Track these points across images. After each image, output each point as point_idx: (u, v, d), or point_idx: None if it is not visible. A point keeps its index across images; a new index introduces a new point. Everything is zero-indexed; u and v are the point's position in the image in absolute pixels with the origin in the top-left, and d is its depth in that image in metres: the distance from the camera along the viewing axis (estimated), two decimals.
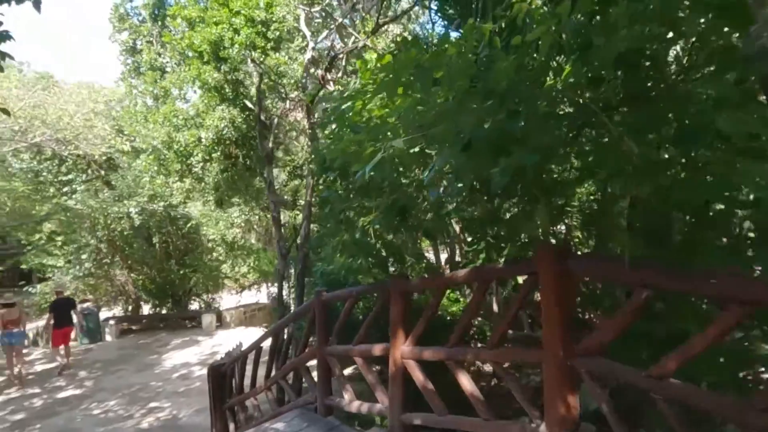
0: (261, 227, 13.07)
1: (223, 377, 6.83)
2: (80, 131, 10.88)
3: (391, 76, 2.23)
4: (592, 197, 4.52)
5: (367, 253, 3.67)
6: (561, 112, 2.25)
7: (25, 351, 12.57)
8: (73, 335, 12.94)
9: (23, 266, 18.67)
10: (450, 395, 3.24)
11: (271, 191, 7.05)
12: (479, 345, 7.11)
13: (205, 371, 9.64)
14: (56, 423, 7.97)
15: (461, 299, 7.37)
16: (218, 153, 8.24)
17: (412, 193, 3.66)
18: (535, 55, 2.34)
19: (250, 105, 7.67)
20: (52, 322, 10.69)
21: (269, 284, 13.79)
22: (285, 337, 5.52)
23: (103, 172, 12.19)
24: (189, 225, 12.70)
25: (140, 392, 9.18)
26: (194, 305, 14.90)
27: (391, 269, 4.57)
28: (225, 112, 7.96)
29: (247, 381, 6.25)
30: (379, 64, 2.68)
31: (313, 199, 6.58)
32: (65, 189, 11.79)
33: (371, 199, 3.59)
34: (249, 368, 6.19)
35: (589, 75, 2.03)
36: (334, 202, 3.71)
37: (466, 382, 3.11)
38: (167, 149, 8.39)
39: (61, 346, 10.81)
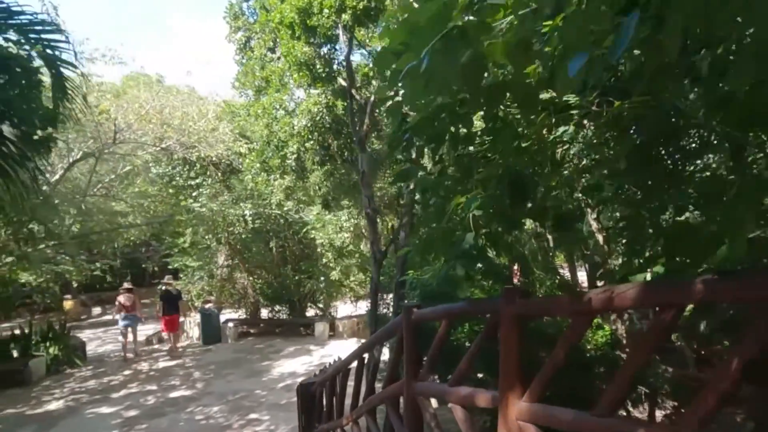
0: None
1: (312, 398, 5.99)
2: (202, 135, 11.26)
3: None
4: None
5: (465, 255, 2.43)
6: None
7: (156, 346, 13.47)
8: (196, 334, 13.45)
9: (170, 266, 20.45)
10: None
11: (365, 183, 6.09)
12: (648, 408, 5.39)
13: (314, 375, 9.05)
14: (160, 424, 7.86)
15: (605, 326, 5.68)
16: (312, 142, 7.56)
17: (536, 158, 2.37)
18: None
19: (344, 83, 6.87)
20: (160, 311, 12.31)
21: (384, 294, 13.02)
22: (374, 360, 4.50)
23: (220, 174, 12.51)
24: (304, 230, 12.44)
25: (244, 400, 8.81)
26: (311, 312, 14.65)
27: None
28: (321, 97, 7.31)
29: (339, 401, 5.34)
30: None
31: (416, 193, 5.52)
32: (194, 193, 12.26)
33: (469, 171, 2.37)
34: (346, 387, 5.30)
35: None
36: (417, 181, 2.55)
37: None
38: (267, 144, 8.02)
39: (169, 332, 12.37)
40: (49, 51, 5.19)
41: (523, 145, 2.36)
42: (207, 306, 12.85)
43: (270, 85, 8.29)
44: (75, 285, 22.77)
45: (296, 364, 10.87)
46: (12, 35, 3.84)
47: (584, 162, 2.59)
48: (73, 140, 10.96)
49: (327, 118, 7.29)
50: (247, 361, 11.34)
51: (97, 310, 23.66)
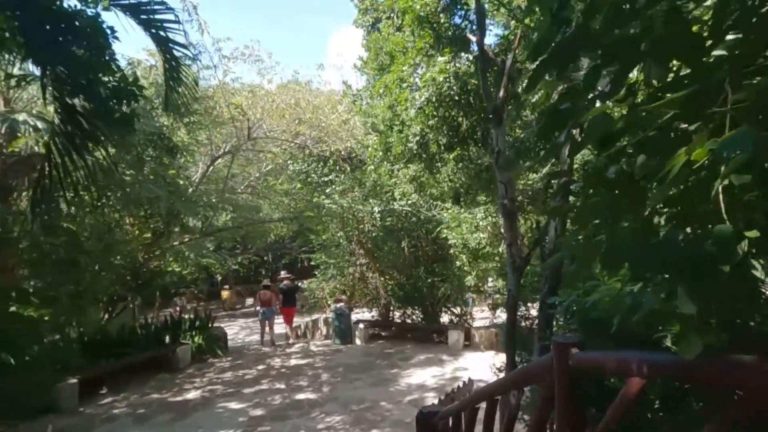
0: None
1: None
2: (333, 128, 10.99)
3: None
4: None
5: (702, 269, 1.15)
6: None
7: (291, 341, 13.66)
8: (330, 331, 13.31)
9: (312, 263, 21.10)
10: None
11: (500, 166, 4.74)
12: None
13: (438, 400, 8.04)
14: (282, 429, 7.49)
15: None
16: (437, 119, 6.37)
17: None
18: None
19: (473, 38, 5.56)
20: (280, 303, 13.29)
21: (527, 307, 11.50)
22: (510, 407, 3.29)
23: (350, 170, 12.05)
24: (437, 229, 11.45)
25: (368, 412, 8.11)
26: (445, 318, 13.62)
27: None
28: (449, 65, 6.11)
29: None
30: None
31: (576, 169, 4.07)
32: (328, 190, 12.06)
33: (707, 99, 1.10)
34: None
35: None
36: (590, 122, 1.35)
37: None
38: (389, 127, 7.12)
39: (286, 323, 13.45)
40: (161, 33, 4.91)
41: None
42: (339, 305, 12.58)
43: (394, 61, 7.34)
44: (218, 277, 24.79)
45: (426, 375, 9.92)
46: None
47: None
48: (221, 140, 11.42)
49: (455, 88, 6.09)
50: (375, 366, 10.71)
51: (250, 300, 25.56)
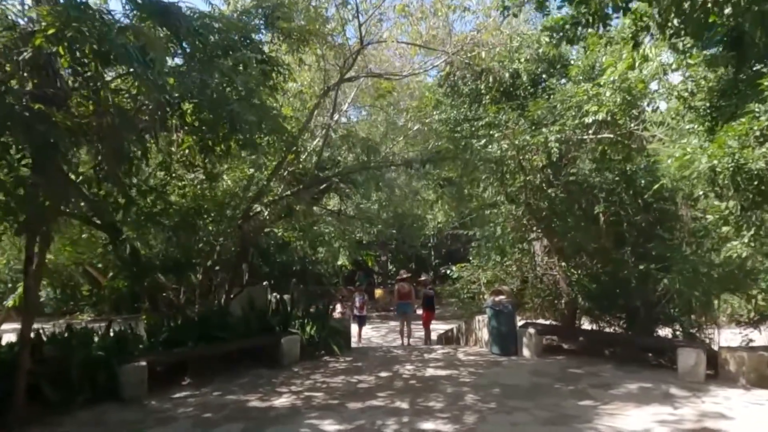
0: None
1: None
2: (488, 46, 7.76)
3: None
4: None
5: None
6: None
7: (435, 347, 10.48)
8: (486, 337, 9.74)
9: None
10: None
11: None
12: None
13: None
14: None
15: None
16: None
17: None
18: None
19: None
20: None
21: None
22: None
23: (501, 91, 8.22)
24: (656, 186, 7.02)
25: None
26: (665, 329, 8.88)
27: None
28: None
29: None
30: None
31: None
32: (483, 141, 8.59)
33: None
34: None
35: None
36: None
37: None
38: None
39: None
40: None
41: None
42: (498, 298, 8.88)
43: None
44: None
45: (644, 419, 5.69)
46: None
47: None
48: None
49: None
50: (550, 392, 6.81)
51: None
